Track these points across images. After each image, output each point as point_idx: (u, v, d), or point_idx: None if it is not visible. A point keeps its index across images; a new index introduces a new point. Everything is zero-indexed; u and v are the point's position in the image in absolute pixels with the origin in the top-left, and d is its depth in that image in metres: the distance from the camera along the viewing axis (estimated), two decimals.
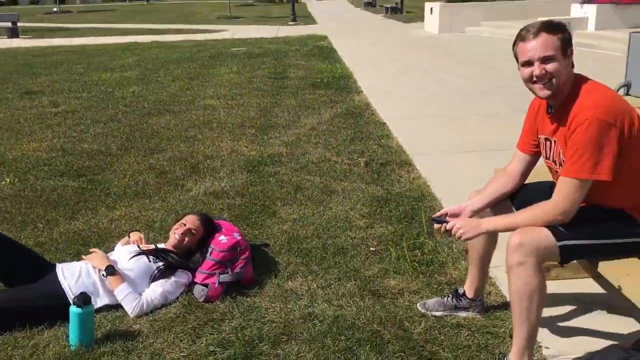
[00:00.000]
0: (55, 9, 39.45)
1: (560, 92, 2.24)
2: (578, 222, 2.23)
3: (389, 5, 28.68)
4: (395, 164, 5.06)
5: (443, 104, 7.70)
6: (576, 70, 2.32)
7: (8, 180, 4.81)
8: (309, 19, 27.20)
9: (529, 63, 2.22)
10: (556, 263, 3.04)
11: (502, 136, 5.88)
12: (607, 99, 2.17)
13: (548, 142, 2.38)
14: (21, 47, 17.09)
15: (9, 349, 2.54)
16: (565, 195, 2.18)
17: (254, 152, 5.53)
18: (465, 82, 9.25)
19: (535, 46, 2.19)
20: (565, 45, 2.20)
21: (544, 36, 2.18)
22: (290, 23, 24.64)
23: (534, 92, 2.29)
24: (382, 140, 5.83)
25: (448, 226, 2.43)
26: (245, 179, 4.73)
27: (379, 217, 3.92)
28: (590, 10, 14.19)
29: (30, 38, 20.43)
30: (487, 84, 8.96)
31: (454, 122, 6.71)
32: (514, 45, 2.30)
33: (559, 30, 2.20)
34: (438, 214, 2.56)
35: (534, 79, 2.22)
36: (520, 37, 2.25)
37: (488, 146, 5.58)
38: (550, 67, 2.18)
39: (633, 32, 3.22)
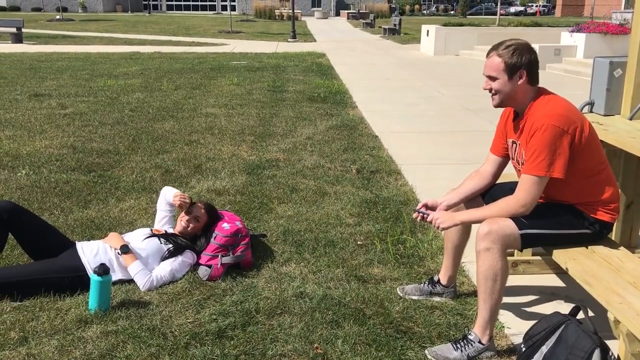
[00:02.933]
0: (58, 17, 39.92)
1: (511, 104, 2.67)
2: (537, 215, 2.62)
3: (387, 26, 29.31)
4: (384, 172, 5.44)
5: (432, 120, 8.13)
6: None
7: (24, 172, 5.16)
8: (308, 37, 27.76)
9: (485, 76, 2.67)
10: (525, 259, 3.46)
11: (484, 150, 6.28)
12: (562, 109, 2.57)
13: (514, 145, 2.77)
14: (26, 52, 17.47)
15: (36, 310, 2.88)
16: (525, 190, 2.57)
17: (253, 156, 5.90)
18: (455, 101, 9.69)
19: (486, 65, 2.66)
20: (510, 68, 2.58)
21: (491, 59, 2.63)
22: (290, 40, 25.16)
23: None
24: (374, 151, 6.21)
25: (428, 218, 2.80)
26: (244, 180, 5.10)
27: (367, 217, 4.29)
28: (580, 38, 14.74)
29: (34, 44, 20.82)
30: (474, 103, 9.40)
31: (441, 137, 7.11)
32: None
33: (505, 53, 2.58)
34: (419, 205, 2.94)
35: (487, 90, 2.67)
36: (487, 53, 2.67)
37: (471, 159, 5.99)
38: (494, 84, 2.63)
39: (597, 57, 3.63)
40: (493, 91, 2.63)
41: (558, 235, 2.66)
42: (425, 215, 2.83)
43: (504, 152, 2.93)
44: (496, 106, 2.68)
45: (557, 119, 2.52)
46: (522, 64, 2.59)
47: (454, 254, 3.11)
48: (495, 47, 2.64)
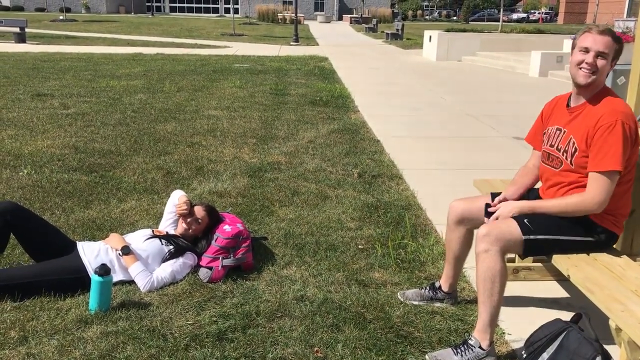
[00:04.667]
0: (61, 17, 40.00)
1: (594, 87, 2.63)
2: (544, 219, 2.61)
3: (389, 31, 29.35)
4: (386, 177, 5.44)
5: (434, 125, 8.13)
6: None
7: (26, 171, 5.17)
8: (310, 40, 27.79)
9: (586, 50, 2.59)
10: (526, 266, 3.45)
11: (486, 156, 6.31)
12: (629, 108, 2.59)
13: (558, 132, 2.75)
14: (29, 52, 17.50)
15: (36, 310, 2.88)
16: (599, 187, 2.54)
17: (254, 159, 5.90)
18: (457, 107, 9.70)
19: (599, 40, 2.58)
20: (616, 55, 2.60)
21: (608, 38, 2.58)
22: (292, 43, 25.20)
23: (574, 77, 2.65)
24: (375, 156, 6.22)
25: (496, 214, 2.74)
26: (246, 182, 5.10)
27: (368, 221, 4.28)
28: None
29: (37, 44, 20.86)
30: (476, 109, 9.41)
31: (443, 142, 7.12)
32: (578, 35, 2.67)
33: (619, 42, 2.61)
34: (492, 209, 2.84)
35: (583, 64, 2.59)
36: (587, 29, 2.64)
37: (471, 165, 5.99)
38: (600, 62, 2.57)
39: None
40: (595, 68, 2.57)
41: (562, 241, 2.65)
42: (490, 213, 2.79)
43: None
44: (588, 84, 2.60)
45: (629, 118, 2.54)
46: (620, 55, 2.62)
47: (455, 263, 3.11)
48: (608, 29, 2.61)
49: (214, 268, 3.29)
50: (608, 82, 3.50)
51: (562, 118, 2.76)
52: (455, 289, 3.18)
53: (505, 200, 2.90)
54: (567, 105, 2.76)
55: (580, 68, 2.60)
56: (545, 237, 2.61)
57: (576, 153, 2.63)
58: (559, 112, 2.81)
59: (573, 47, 2.68)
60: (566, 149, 2.67)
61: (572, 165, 2.65)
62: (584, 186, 2.62)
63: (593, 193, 2.55)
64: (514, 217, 2.66)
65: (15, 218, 3.17)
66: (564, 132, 2.70)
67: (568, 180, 2.69)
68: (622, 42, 2.64)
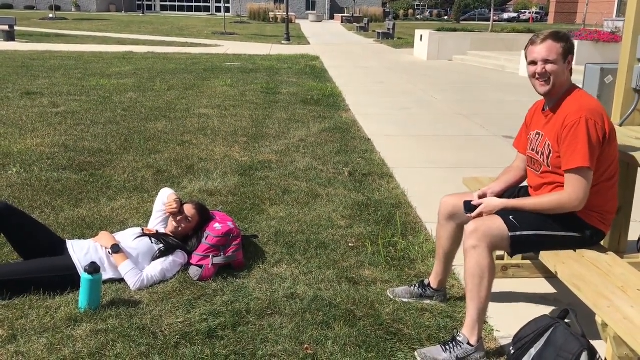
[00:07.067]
0: (51, 15, 39.72)
1: (556, 91, 2.67)
2: (529, 215, 2.63)
3: (380, 31, 29.37)
4: (376, 175, 5.45)
5: (424, 124, 8.16)
6: None
7: (15, 170, 5.14)
8: (302, 39, 27.78)
9: (533, 62, 2.66)
10: (515, 263, 3.47)
11: (475, 155, 6.35)
12: (598, 105, 2.62)
13: (537, 136, 2.79)
14: (18, 50, 17.38)
15: (25, 308, 2.87)
16: (573, 185, 2.56)
17: (245, 158, 5.90)
18: (446, 106, 9.74)
19: (539, 49, 2.64)
20: (566, 53, 2.63)
21: (547, 43, 2.62)
22: (283, 42, 25.18)
23: (535, 88, 2.72)
24: (366, 154, 6.23)
25: (476, 211, 2.78)
26: (237, 181, 5.10)
27: (358, 219, 4.30)
28: None
29: (27, 42, 20.72)
30: (466, 108, 9.45)
31: (432, 141, 7.15)
32: (525, 48, 2.75)
33: (562, 40, 2.63)
34: (474, 202, 2.86)
35: (536, 76, 2.66)
36: (531, 41, 2.70)
37: (460, 164, 6.02)
38: (550, 67, 2.62)
39: (588, 64, 3.67)
40: (547, 75, 2.62)
41: (547, 236, 2.67)
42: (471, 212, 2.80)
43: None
44: (547, 93, 2.67)
45: (594, 114, 2.56)
46: (573, 50, 2.65)
47: (445, 260, 3.12)
48: (547, 34, 2.64)
49: (204, 266, 3.29)
50: (596, 81, 3.52)
51: (540, 122, 2.81)
52: (445, 286, 3.20)
53: (484, 194, 2.93)
54: (543, 109, 2.80)
55: (537, 79, 2.68)
56: (531, 233, 2.64)
57: (551, 154, 2.67)
58: (537, 116, 2.86)
59: (526, 60, 2.74)
60: (543, 151, 2.72)
61: (549, 166, 2.70)
62: (563, 185, 2.65)
63: (569, 191, 2.59)
64: (500, 214, 2.68)
65: (4, 217, 3.15)
66: (542, 135, 2.75)
67: (548, 180, 2.74)
68: (568, 37, 2.66)
